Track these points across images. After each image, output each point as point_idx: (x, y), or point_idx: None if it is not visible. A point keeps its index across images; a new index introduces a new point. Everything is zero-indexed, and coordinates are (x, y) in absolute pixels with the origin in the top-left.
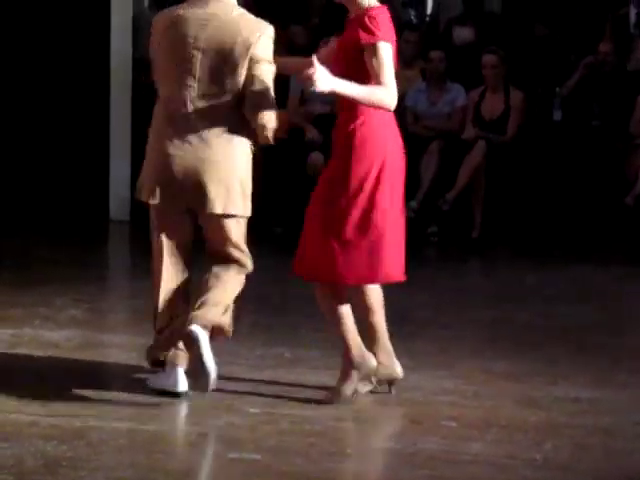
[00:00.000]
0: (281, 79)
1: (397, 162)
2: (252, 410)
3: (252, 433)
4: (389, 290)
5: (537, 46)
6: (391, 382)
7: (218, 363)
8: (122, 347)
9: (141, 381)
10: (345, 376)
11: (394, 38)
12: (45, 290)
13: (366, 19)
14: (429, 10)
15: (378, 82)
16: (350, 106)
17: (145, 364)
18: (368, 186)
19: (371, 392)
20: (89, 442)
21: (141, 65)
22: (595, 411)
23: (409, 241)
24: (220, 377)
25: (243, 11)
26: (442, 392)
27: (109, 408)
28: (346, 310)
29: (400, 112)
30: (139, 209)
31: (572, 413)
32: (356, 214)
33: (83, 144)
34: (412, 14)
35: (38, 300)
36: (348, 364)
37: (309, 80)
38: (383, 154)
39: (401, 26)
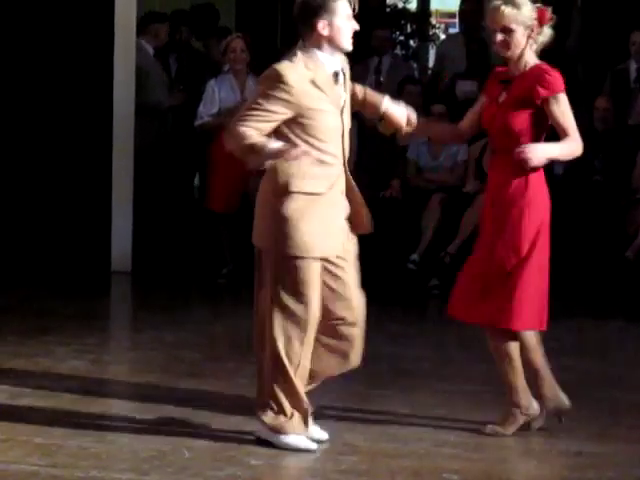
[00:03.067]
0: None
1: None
2: (253, 462)
3: None
4: (391, 343)
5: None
6: (559, 413)
7: (221, 414)
8: (123, 398)
9: (142, 431)
10: (508, 418)
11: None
12: (47, 341)
13: (544, 74)
14: (431, 64)
15: (566, 133)
16: (506, 163)
17: (149, 415)
18: (538, 237)
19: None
20: None
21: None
22: (597, 465)
23: (410, 295)
24: (222, 429)
25: None
26: (444, 444)
27: (110, 459)
28: (517, 354)
29: (402, 165)
30: (140, 261)
31: (574, 467)
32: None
33: (85, 195)
34: (414, 67)
35: (40, 351)
36: (514, 406)
37: (524, 161)
38: (547, 207)
39: (403, 79)
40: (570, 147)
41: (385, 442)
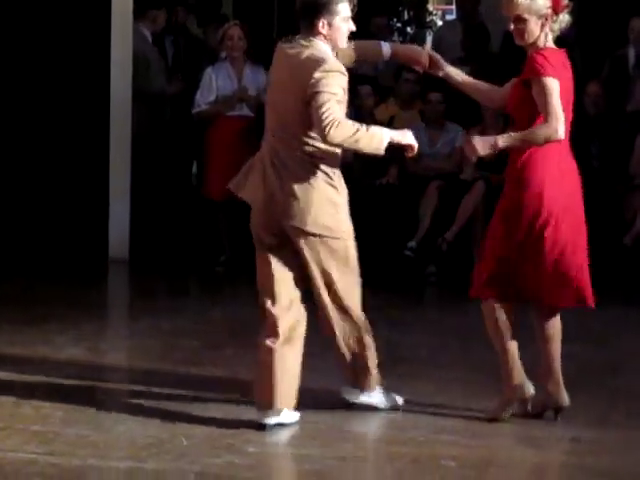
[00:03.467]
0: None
1: (561, 191)
2: (251, 449)
3: (251, 472)
4: (389, 330)
5: None
6: (557, 410)
7: (219, 402)
8: (121, 386)
9: (140, 419)
10: (504, 401)
11: (567, 77)
12: (45, 329)
13: (535, 55)
14: None
15: (545, 118)
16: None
17: (147, 402)
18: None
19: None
20: None
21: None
22: (595, 451)
23: (407, 282)
24: (219, 417)
25: None
26: (442, 431)
27: (108, 447)
28: (510, 333)
29: (399, 152)
30: (138, 248)
31: (572, 453)
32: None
33: (82, 183)
34: None
35: (37, 339)
36: (508, 389)
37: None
38: (541, 186)
39: (399, 67)
40: (537, 133)
41: (383, 429)
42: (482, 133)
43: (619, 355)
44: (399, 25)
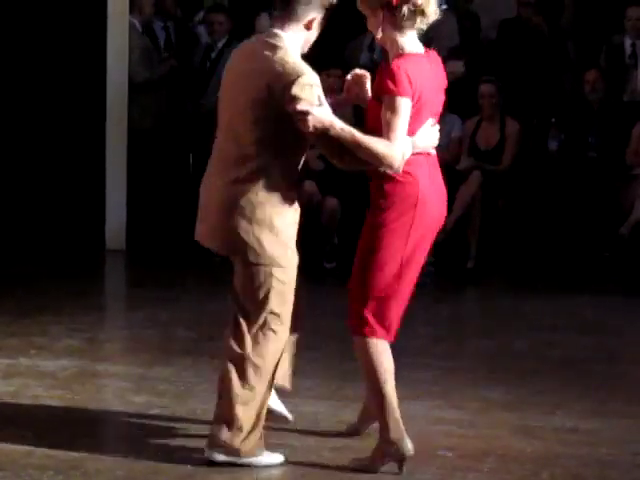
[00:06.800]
0: None
1: (427, 212)
2: None
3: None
4: None
5: (533, 76)
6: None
7: (214, 388)
8: (118, 377)
9: (137, 410)
10: (378, 454)
11: (427, 88)
12: (41, 319)
13: (390, 67)
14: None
15: (387, 136)
16: None
17: (143, 393)
18: (397, 241)
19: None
20: (85, 472)
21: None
22: (593, 441)
23: None
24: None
25: None
26: (438, 422)
27: (105, 438)
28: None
29: None
30: (134, 239)
31: (569, 443)
32: (389, 268)
33: (79, 174)
34: None
35: (34, 330)
36: (384, 443)
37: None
38: (413, 207)
39: None
40: (372, 143)
41: None
42: (479, 123)
43: (616, 345)
44: None
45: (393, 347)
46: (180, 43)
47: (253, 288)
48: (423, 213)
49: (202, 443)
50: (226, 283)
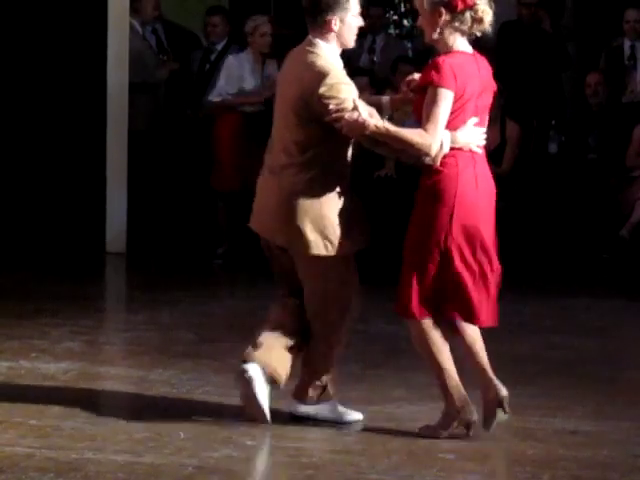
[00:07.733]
0: None
1: (470, 205)
2: (249, 443)
3: (248, 465)
4: (386, 322)
5: (533, 78)
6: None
7: (215, 390)
8: (119, 379)
9: (137, 413)
10: (446, 422)
11: (471, 86)
12: (41, 322)
13: (436, 60)
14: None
15: (424, 126)
16: None
17: (144, 396)
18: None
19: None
20: (86, 475)
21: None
22: (593, 444)
23: None
24: (217, 410)
25: None
26: None
27: (105, 441)
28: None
29: None
30: (135, 241)
31: (570, 445)
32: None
33: (79, 177)
34: (408, 47)
35: (35, 332)
36: (450, 411)
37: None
38: (452, 199)
39: (396, 59)
40: (413, 141)
41: (380, 422)
42: None
43: (617, 347)
44: (395, 17)
45: (393, 349)
46: (174, 47)
47: (316, 277)
48: (463, 206)
49: (203, 445)
50: (226, 286)
